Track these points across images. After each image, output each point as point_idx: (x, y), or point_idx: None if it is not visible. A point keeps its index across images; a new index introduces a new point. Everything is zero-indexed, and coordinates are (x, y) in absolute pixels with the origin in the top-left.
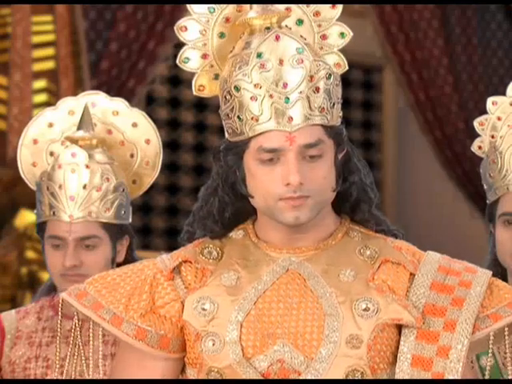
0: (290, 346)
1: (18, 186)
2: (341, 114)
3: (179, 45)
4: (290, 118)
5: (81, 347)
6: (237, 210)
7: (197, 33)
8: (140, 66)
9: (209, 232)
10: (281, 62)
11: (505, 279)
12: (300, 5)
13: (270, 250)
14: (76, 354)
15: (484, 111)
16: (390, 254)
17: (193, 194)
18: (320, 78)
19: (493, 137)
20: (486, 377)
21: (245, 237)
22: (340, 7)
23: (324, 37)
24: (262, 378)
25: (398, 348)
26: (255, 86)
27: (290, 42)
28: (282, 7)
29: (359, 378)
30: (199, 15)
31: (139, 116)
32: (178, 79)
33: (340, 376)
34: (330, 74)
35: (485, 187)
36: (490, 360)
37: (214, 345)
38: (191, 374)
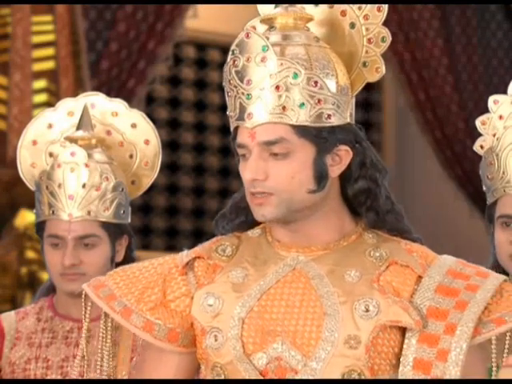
0: (288, 344)
1: (18, 186)
2: (329, 116)
3: (179, 44)
4: (250, 115)
5: (111, 342)
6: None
7: None
8: (140, 66)
9: (226, 223)
10: (248, 60)
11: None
12: (354, 7)
13: (281, 248)
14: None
15: (484, 111)
16: (399, 256)
17: (193, 194)
18: (282, 77)
19: (495, 135)
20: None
21: (261, 235)
22: (385, 10)
23: (369, 40)
24: (260, 375)
25: (402, 350)
26: (229, 81)
27: (257, 41)
28: (336, 11)
29: (356, 378)
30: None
31: (138, 117)
32: (178, 79)
33: (336, 376)
34: (296, 74)
35: (484, 188)
36: (494, 365)
37: (216, 340)
38: (202, 369)
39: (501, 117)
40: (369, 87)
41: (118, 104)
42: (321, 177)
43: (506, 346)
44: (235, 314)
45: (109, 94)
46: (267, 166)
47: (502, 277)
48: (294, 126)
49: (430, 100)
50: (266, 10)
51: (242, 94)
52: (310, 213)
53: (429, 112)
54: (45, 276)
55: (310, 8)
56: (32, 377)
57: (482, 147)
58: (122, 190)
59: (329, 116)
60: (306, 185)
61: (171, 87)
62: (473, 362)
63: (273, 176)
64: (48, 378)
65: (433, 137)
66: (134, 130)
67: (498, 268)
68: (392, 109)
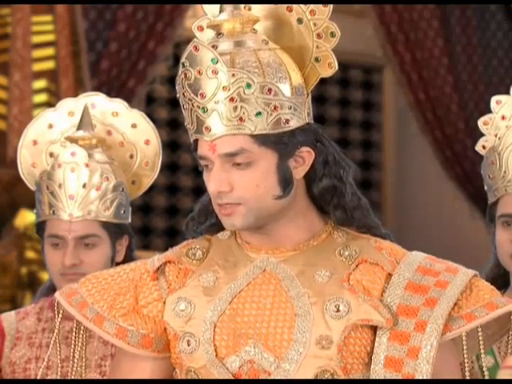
0: (260, 346)
1: (18, 186)
2: (287, 121)
3: (179, 45)
4: (208, 128)
5: (83, 348)
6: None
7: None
8: (140, 66)
9: (196, 226)
10: (199, 73)
11: (507, 280)
12: (301, 4)
13: (251, 250)
14: (76, 355)
15: (484, 111)
16: (368, 254)
17: (193, 194)
18: (236, 88)
19: (496, 135)
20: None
21: (230, 237)
22: (331, 5)
23: (319, 36)
24: (233, 378)
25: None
26: (183, 94)
27: (206, 53)
28: (282, 6)
29: (329, 378)
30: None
31: (139, 117)
32: None
33: (309, 376)
34: (249, 84)
35: (485, 188)
36: (468, 361)
37: (189, 345)
38: (177, 373)
39: (503, 117)
40: (369, 87)
41: (119, 104)
42: (286, 181)
43: (481, 342)
44: (207, 318)
45: (109, 94)
46: (231, 176)
47: (472, 272)
48: (253, 136)
49: (430, 100)
50: (211, 9)
51: (198, 107)
52: (278, 217)
53: (429, 112)
54: (45, 276)
55: (255, 5)
56: (32, 377)
57: (484, 147)
58: (123, 189)
59: (287, 121)
60: (272, 191)
61: (171, 87)
62: (445, 358)
63: (238, 186)
64: (48, 378)
65: (433, 137)
66: (134, 129)
67: (499, 267)
68: (392, 109)
